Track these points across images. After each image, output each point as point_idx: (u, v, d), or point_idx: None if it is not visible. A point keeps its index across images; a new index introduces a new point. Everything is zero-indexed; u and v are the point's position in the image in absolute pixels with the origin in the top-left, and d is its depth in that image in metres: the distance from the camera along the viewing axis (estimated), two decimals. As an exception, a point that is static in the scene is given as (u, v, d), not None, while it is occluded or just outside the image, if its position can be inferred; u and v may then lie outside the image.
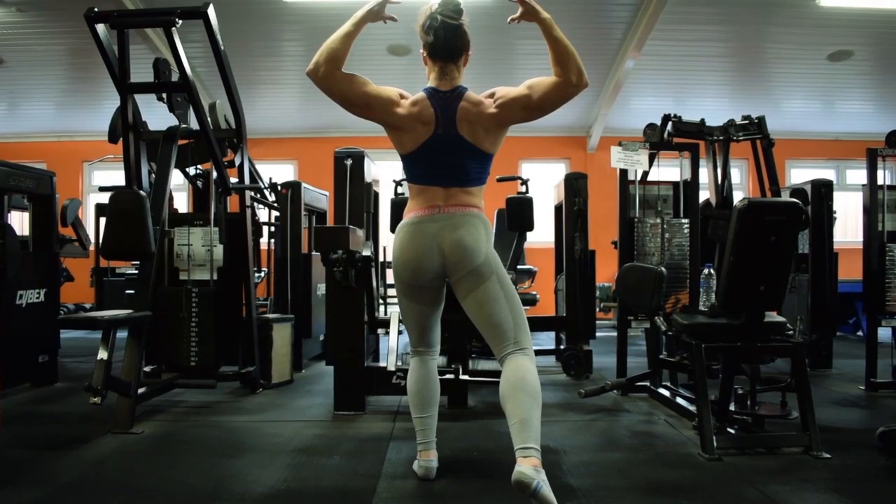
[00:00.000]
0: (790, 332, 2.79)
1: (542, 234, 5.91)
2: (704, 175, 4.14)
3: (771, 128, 4.16)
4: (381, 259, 4.32)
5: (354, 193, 3.48)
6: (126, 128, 3.57)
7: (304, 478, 2.35)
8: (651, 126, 4.03)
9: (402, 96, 2.17)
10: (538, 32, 2.06)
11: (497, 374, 3.49)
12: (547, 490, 1.85)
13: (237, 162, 4.11)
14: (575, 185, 4.30)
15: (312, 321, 4.88)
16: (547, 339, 5.96)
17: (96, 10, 3.28)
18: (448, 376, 3.31)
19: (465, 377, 3.42)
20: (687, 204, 4.16)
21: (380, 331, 3.92)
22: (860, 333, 6.51)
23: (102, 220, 3.87)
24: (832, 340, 4.74)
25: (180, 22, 3.30)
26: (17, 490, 2.20)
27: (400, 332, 3.52)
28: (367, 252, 3.35)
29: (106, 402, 2.85)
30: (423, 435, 2.34)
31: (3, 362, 2.52)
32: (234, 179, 4.12)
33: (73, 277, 5.97)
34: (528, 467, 1.86)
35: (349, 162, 3.48)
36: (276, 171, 6.26)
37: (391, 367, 3.31)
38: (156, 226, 3.35)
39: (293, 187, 4.78)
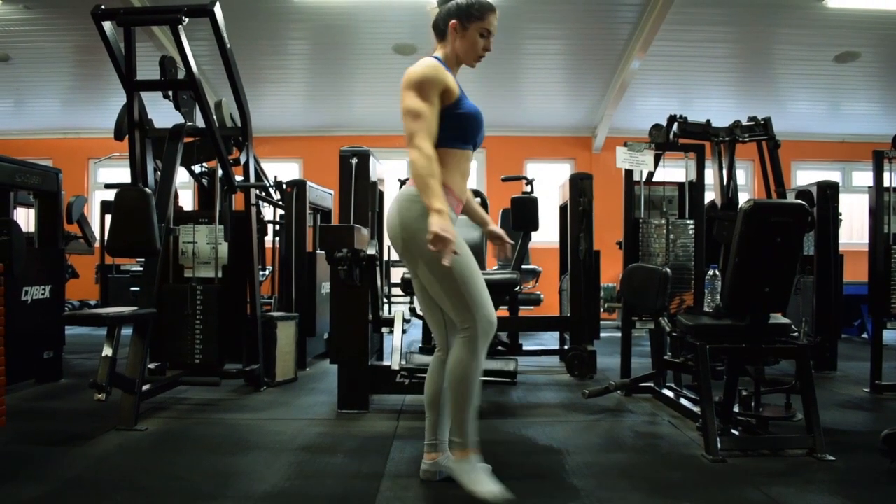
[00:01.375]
0: (795, 334, 2.78)
1: (546, 233, 5.89)
2: (710, 176, 4.13)
3: (777, 129, 4.17)
4: (385, 258, 4.32)
5: (359, 192, 3.48)
6: (132, 125, 3.59)
7: (308, 476, 2.36)
8: (657, 126, 4.02)
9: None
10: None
11: (502, 374, 3.52)
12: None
13: (242, 160, 4.12)
14: (580, 185, 4.29)
15: (317, 319, 4.89)
16: (551, 340, 5.96)
17: (103, 7, 3.29)
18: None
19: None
20: (692, 205, 4.15)
21: (384, 329, 3.92)
22: (865, 336, 6.49)
23: (108, 217, 3.88)
24: (837, 342, 4.72)
25: (187, 20, 3.32)
26: (20, 486, 2.21)
27: (404, 331, 3.53)
28: (371, 251, 3.35)
29: (110, 398, 2.86)
30: (430, 435, 2.30)
31: (8, 358, 2.53)
32: (239, 177, 4.13)
33: (78, 274, 6.00)
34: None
35: (354, 160, 3.47)
36: (282, 170, 6.29)
37: (395, 366, 3.31)
38: (161, 223, 3.36)
39: (298, 185, 4.79)
